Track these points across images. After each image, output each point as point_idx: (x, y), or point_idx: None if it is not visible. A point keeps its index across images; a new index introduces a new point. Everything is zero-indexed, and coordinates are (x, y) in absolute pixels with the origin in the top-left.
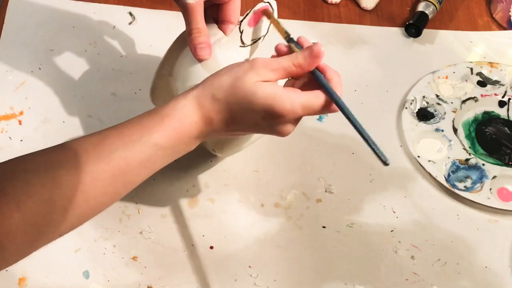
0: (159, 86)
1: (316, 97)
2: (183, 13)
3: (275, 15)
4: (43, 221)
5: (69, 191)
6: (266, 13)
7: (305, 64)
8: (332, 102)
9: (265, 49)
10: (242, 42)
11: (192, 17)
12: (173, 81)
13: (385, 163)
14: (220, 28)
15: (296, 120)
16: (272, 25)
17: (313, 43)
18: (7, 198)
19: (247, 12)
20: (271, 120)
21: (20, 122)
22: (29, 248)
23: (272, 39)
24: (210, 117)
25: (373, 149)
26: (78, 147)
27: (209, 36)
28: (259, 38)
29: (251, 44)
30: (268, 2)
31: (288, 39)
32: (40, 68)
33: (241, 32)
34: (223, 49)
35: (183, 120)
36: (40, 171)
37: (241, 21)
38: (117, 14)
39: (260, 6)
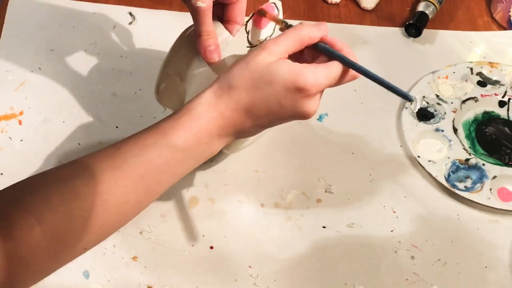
0: (165, 85)
1: (334, 65)
2: (193, 15)
3: (280, 16)
4: (65, 233)
5: (88, 202)
6: (261, 12)
7: (313, 27)
8: (349, 68)
9: None
10: (249, 43)
11: (203, 20)
12: (179, 80)
13: (410, 99)
14: (225, 28)
15: (319, 94)
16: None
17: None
18: (27, 213)
19: (253, 12)
20: (295, 96)
21: (20, 122)
22: (54, 263)
23: None
24: (230, 109)
25: (398, 92)
26: (94, 158)
27: (217, 38)
28: (265, 39)
29: (257, 45)
30: (273, 3)
31: (286, 25)
32: (40, 68)
33: (248, 33)
34: (230, 49)
35: (200, 118)
36: (58, 184)
37: (247, 21)
38: (117, 14)
39: (265, 6)
